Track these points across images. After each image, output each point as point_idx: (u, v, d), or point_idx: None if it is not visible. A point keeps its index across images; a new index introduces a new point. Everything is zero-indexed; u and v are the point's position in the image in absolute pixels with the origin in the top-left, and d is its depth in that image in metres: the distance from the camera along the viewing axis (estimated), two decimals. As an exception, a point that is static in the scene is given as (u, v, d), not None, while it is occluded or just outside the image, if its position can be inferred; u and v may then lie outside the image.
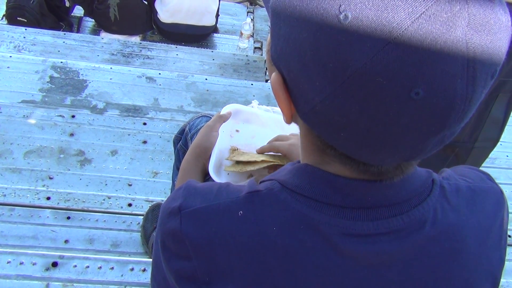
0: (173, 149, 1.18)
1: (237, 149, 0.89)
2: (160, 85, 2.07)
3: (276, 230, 0.44)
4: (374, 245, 0.44)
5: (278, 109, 0.95)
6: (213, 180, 0.80)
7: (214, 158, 0.82)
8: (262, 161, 0.79)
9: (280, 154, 0.83)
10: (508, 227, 0.54)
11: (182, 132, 1.09)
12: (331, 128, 0.40)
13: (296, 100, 0.42)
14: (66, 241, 1.40)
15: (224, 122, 0.87)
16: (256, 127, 0.92)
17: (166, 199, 0.53)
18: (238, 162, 0.83)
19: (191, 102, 2.02)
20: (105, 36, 2.69)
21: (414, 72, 0.34)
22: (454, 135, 0.40)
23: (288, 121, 0.46)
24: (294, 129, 0.90)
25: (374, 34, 0.34)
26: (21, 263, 1.26)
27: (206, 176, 0.86)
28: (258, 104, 0.96)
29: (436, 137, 0.38)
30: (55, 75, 2.00)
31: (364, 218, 0.44)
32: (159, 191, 1.62)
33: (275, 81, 0.43)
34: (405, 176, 0.45)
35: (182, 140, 1.07)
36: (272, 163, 0.80)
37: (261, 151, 0.83)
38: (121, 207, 1.55)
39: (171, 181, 1.28)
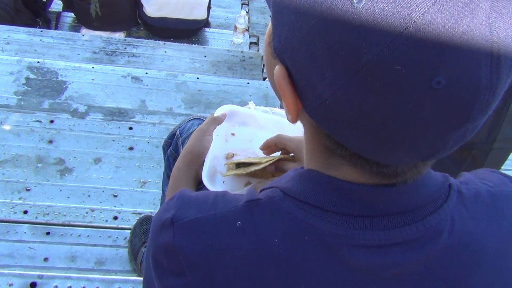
0: (162, 155, 1.18)
1: (233, 155, 0.89)
2: (147, 85, 2.07)
3: (278, 241, 0.44)
4: (386, 257, 0.44)
5: (277, 109, 0.96)
6: (207, 189, 0.80)
7: (208, 165, 0.82)
8: (267, 161, 0.79)
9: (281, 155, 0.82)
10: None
11: (172, 136, 1.09)
12: (343, 124, 0.39)
13: (303, 94, 0.41)
14: (46, 259, 1.40)
15: (218, 124, 0.87)
16: (254, 129, 0.93)
17: (157, 210, 0.53)
18: (239, 165, 0.83)
19: (182, 104, 2.03)
20: (86, 32, 2.69)
21: (435, 59, 0.34)
22: (476, 129, 0.40)
23: (294, 119, 0.46)
24: (296, 131, 0.91)
25: (391, 18, 0.34)
26: (-4, 285, 1.26)
27: (199, 185, 0.86)
28: (255, 106, 0.96)
29: (458, 131, 0.38)
30: (32, 76, 2.00)
31: (375, 227, 0.44)
32: (148, 202, 1.62)
33: (279, 74, 0.42)
34: (419, 180, 0.45)
35: (172, 146, 1.07)
36: (278, 158, 0.79)
37: (266, 146, 0.82)
38: (106, 221, 1.54)
39: (161, 191, 1.28)
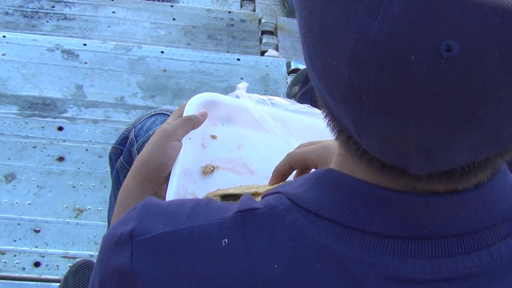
0: (109, 170, 1.17)
1: (214, 169, 0.89)
2: (85, 63, 2.07)
3: (279, 268, 0.46)
4: None
5: (279, 99, 0.96)
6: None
7: (175, 184, 0.82)
8: (267, 190, 0.78)
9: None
10: None
11: (123, 141, 1.09)
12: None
13: None
14: None
15: (193, 129, 0.86)
16: (245, 129, 0.93)
17: (110, 227, 0.54)
18: (225, 198, 0.82)
19: (138, 91, 2.03)
20: (-6, -16, 2.70)
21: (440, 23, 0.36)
22: None
23: None
24: (306, 131, 0.90)
25: None
26: None
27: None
28: (248, 93, 0.96)
29: None
30: None
31: (418, 255, 0.46)
32: (86, 240, 1.62)
33: None
34: (487, 187, 0.46)
35: (123, 155, 1.07)
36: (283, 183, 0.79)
37: (278, 175, 0.80)
38: (23, 269, 1.53)
39: (106, 223, 1.27)
